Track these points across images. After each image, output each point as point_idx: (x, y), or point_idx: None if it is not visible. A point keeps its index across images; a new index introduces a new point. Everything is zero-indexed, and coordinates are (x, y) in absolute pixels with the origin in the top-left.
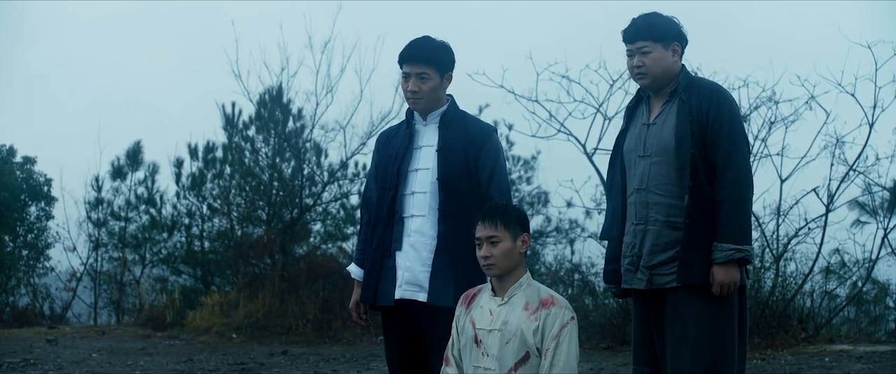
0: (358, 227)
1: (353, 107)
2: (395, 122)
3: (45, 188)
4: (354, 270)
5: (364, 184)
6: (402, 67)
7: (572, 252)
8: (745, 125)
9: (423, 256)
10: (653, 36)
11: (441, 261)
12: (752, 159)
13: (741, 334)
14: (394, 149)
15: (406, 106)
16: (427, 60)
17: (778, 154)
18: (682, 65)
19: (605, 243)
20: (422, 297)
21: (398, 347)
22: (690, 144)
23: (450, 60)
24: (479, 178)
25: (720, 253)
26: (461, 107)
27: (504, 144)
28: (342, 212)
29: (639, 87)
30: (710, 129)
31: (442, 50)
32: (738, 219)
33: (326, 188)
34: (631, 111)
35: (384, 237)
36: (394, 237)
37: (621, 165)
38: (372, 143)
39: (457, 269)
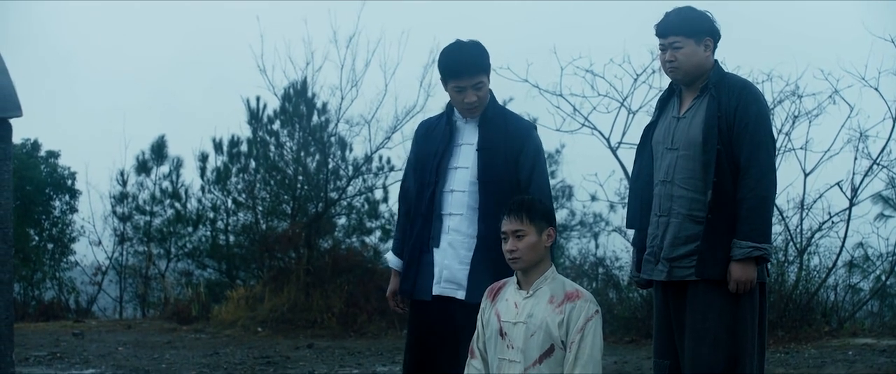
0: (396, 216)
1: (377, 101)
2: (420, 116)
3: (69, 182)
4: (393, 259)
5: (403, 174)
6: (452, 81)
7: (596, 246)
8: (770, 119)
9: (461, 254)
10: (685, 31)
11: (479, 259)
12: (776, 154)
13: (761, 329)
14: (434, 144)
15: (431, 99)
16: (481, 69)
17: (801, 148)
18: (715, 60)
19: (631, 235)
20: (460, 295)
21: (423, 341)
22: (717, 141)
23: (490, 60)
24: (518, 176)
25: (738, 250)
26: None
27: None
28: (367, 206)
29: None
30: (737, 126)
31: (486, 53)
32: (758, 217)
33: (351, 182)
34: (663, 103)
35: (422, 233)
36: (432, 234)
37: (649, 156)
38: (397, 137)
39: (495, 267)
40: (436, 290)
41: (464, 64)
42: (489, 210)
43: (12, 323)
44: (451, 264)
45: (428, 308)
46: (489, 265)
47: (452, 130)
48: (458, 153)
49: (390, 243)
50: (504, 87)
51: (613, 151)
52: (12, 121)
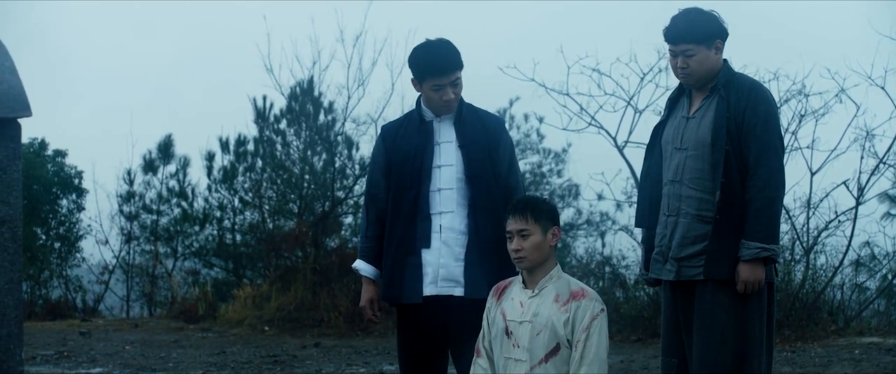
0: (365, 223)
1: (384, 100)
2: None
3: (76, 181)
4: (364, 266)
5: (369, 180)
6: (431, 79)
7: (603, 245)
8: None
9: (456, 251)
10: (695, 38)
11: (473, 255)
12: (784, 155)
13: (769, 329)
14: (409, 145)
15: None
16: (458, 65)
17: (808, 147)
18: (725, 60)
19: (638, 234)
20: (458, 291)
21: (417, 344)
22: (726, 141)
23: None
24: (498, 169)
25: (746, 251)
26: (493, 100)
27: (535, 136)
28: None
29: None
30: (745, 127)
31: (459, 51)
32: (765, 218)
33: (358, 181)
34: (672, 102)
35: (407, 235)
36: (419, 235)
37: (659, 155)
38: None
39: (490, 261)
40: (431, 290)
41: (443, 61)
42: (478, 205)
43: (22, 322)
44: (447, 263)
45: (419, 311)
46: (483, 260)
47: (429, 129)
48: (438, 152)
49: None
50: (510, 86)
51: (620, 150)
52: (21, 120)
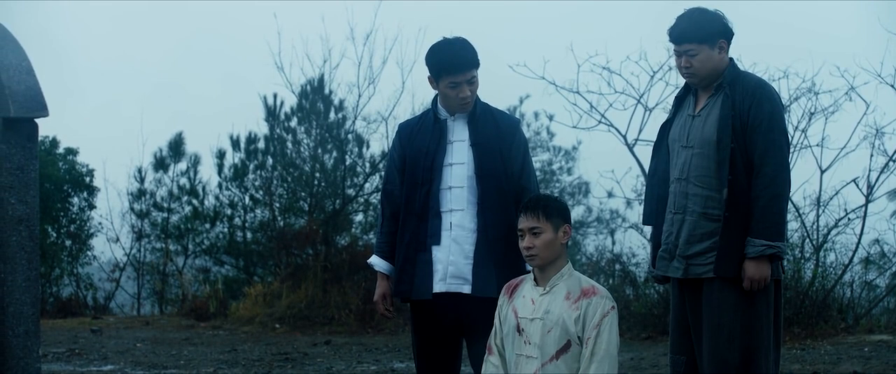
0: (380, 219)
1: (394, 98)
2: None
3: (88, 179)
4: (379, 262)
5: (385, 177)
6: (447, 77)
7: (613, 242)
8: (786, 116)
9: (465, 249)
10: (698, 38)
11: (482, 253)
12: (791, 151)
13: (776, 326)
14: (423, 143)
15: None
16: (474, 64)
17: (818, 145)
18: (730, 58)
19: (647, 230)
20: (466, 289)
21: (430, 340)
22: (731, 139)
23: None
24: (511, 169)
25: (752, 248)
26: (503, 98)
27: (545, 134)
28: None
29: None
30: (751, 125)
31: (475, 49)
32: (771, 216)
33: (368, 179)
34: (679, 101)
35: (418, 232)
36: (430, 232)
37: (666, 153)
38: None
39: (498, 260)
40: (440, 287)
41: (459, 59)
42: (488, 203)
43: (38, 320)
44: (456, 260)
45: (429, 307)
46: (491, 258)
47: (442, 127)
48: (451, 150)
49: None
50: (520, 84)
51: (630, 148)
52: (37, 120)
